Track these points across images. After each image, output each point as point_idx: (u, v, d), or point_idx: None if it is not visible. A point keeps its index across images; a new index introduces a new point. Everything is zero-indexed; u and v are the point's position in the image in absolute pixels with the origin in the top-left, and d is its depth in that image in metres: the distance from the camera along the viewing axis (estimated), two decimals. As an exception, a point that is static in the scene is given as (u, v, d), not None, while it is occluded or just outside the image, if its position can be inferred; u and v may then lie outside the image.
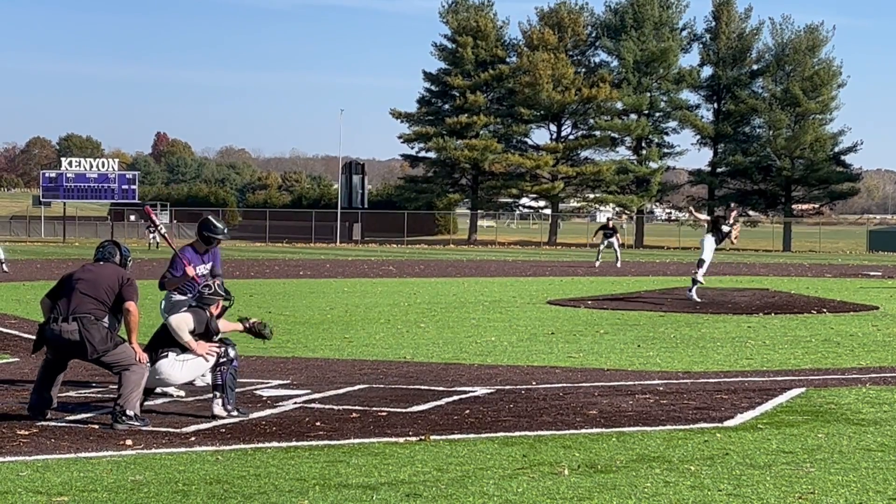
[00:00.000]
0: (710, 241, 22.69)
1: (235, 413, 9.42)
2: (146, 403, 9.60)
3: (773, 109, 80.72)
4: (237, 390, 9.80)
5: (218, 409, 9.39)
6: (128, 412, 9.11)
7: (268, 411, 9.71)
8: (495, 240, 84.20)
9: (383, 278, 33.12)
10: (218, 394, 9.44)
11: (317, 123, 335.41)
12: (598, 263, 40.84)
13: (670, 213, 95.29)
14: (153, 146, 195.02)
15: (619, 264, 41.00)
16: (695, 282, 22.66)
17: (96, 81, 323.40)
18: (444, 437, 8.55)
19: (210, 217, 11.31)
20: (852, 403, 10.29)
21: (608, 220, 46.24)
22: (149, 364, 9.40)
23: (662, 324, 18.27)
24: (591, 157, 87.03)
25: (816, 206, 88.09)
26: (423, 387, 11.19)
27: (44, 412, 9.36)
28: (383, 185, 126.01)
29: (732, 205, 25.64)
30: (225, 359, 9.49)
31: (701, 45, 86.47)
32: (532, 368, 12.82)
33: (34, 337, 9.75)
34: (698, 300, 22.15)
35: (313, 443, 8.36)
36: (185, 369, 9.56)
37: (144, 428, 8.89)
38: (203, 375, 9.78)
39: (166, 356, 9.52)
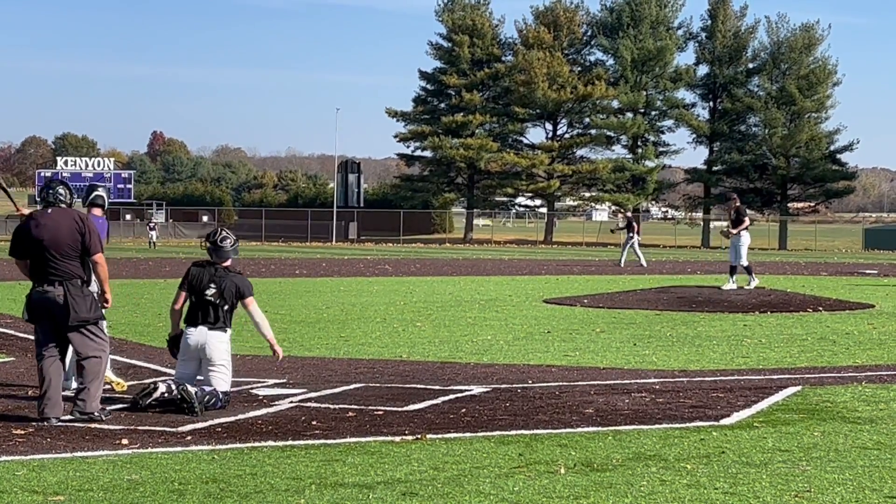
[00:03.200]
0: (732, 243, 25.16)
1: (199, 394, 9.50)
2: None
3: (769, 108, 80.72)
4: (234, 389, 9.88)
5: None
6: (94, 416, 9.08)
7: (264, 410, 9.70)
8: (491, 238, 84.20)
9: (379, 277, 33.11)
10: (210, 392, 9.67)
11: (313, 122, 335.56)
12: (622, 263, 38.87)
13: (666, 211, 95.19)
14: (149, 145, 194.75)
15: (644, 263, 38.43)
16: (749, 272, 24.84)
17: (92, 80, 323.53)
18: (440, 435, 8.55)
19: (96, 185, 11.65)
20: (848, 402, 10.29)
21: (622, 210, 43.79)
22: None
23: (658, 322, 18.27)
24: (586, 156, 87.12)
25: (812, 204, 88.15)
26: (419, 385, 11.19)
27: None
28: (379, 184, 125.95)
29: (734, 196, 27.11)
30: (224, 396, 9.77)
31: (697, 44, 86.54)
32: (528, 367, 12.82)
33: (31, 336, 9.72)
34: (750, 287, 24.45)
35: (309, 442, 8.35)
36: (226, 353, 9.96)
37: (141, 427, 8.89)
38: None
39: (225, 331, 9.96)
